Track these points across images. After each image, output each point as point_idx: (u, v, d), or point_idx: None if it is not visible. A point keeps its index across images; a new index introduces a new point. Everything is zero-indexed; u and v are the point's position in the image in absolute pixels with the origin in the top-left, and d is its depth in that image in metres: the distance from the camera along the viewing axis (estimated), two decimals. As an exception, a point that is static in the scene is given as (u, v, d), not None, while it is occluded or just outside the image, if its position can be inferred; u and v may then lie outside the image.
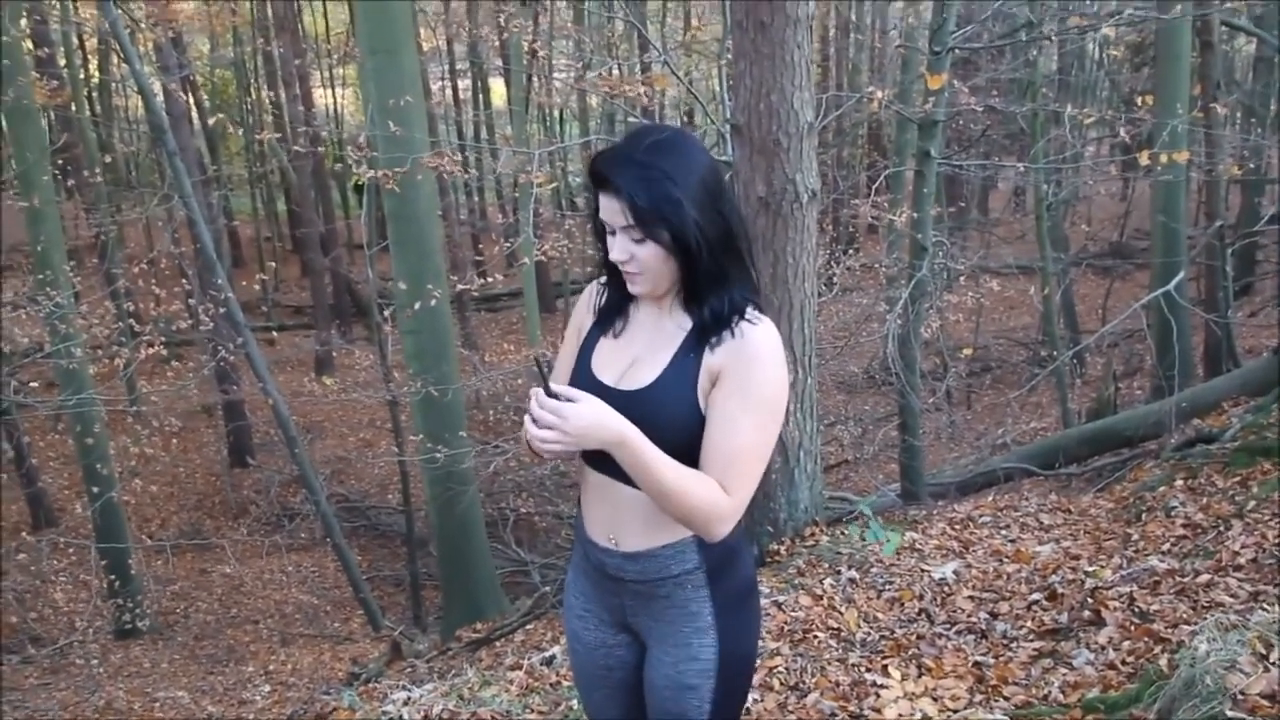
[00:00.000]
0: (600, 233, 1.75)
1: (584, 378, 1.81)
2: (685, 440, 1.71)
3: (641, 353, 1.78)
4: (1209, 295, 11.70)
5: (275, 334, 18.11)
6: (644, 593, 1.84)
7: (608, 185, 1.64)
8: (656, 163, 1.62)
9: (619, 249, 1.68)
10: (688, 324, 1.75)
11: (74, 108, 15.39)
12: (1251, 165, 10.45)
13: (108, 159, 18.32)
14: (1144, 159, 6.85)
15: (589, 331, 1.89)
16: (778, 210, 4.50)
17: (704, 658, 1.82)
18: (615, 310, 1.86)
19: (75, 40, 18.01)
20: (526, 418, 1.63)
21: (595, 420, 1.61)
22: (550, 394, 1.62)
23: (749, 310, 1.72)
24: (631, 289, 1.76)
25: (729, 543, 1.80)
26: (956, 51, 7.08)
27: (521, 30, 11.28)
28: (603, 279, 1.89)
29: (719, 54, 7.67)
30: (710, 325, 1.71)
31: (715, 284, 1.70)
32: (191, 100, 19.27)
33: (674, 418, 1.71)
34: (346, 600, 11.78)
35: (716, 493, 1.67)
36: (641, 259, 1.68)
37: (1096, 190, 17.88)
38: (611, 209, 1.66)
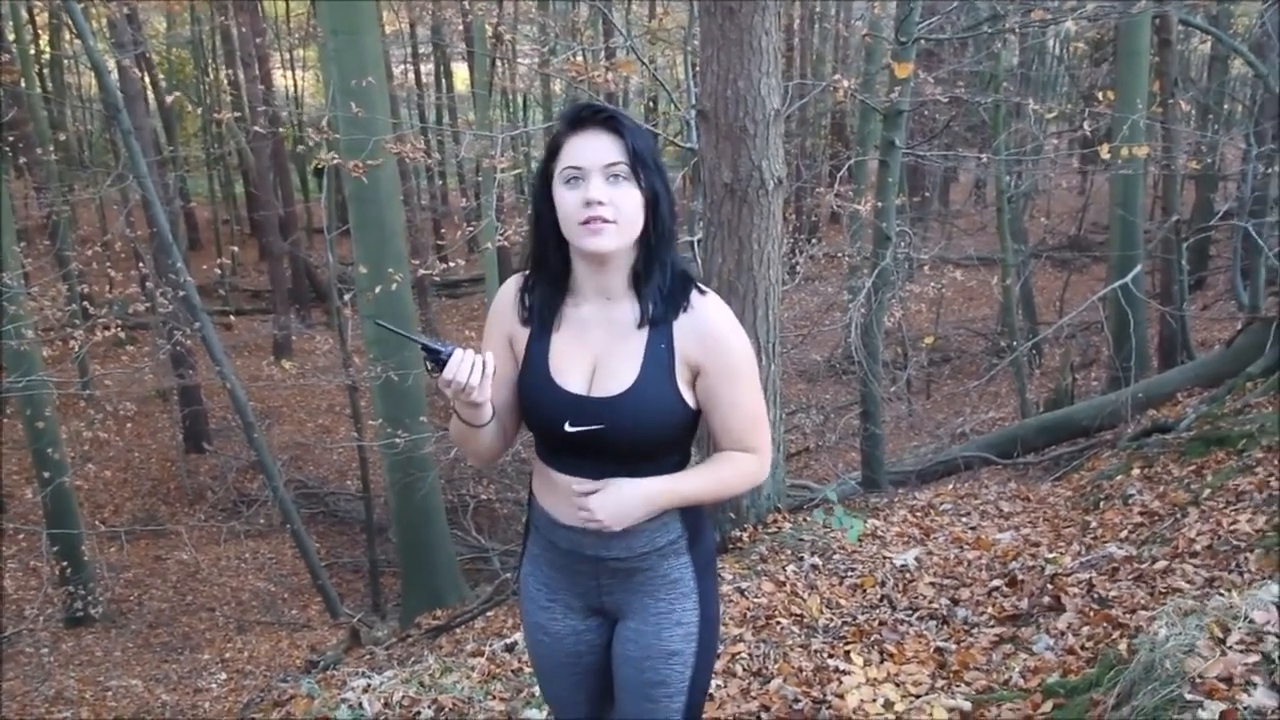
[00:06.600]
0: (537, 221, 1.73)
1: (547, 389, 1.74)
2: (673, 432, 1.75)
3: (603, 352, 1.73)
4: (1164, 289, 11.90)
5: (232, 318, 17.83)
6: (624, 569, 1.83)
7: (603, 124, 1.65)
8: (639, 126, 1.69)
9: (596, 188, 1.62)
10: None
11: (24, 84, 14.99)
12: (1208, 160, 10.62)
13: (60, 137, 17.88)
14: (1104, 153, 6.93)
15: (530, 337, 1.79)
16: (743, 197, 4.48)
17: (688, 621, 1.85)
18: (546, 308, 1.78)
19: (25, 14, 17.56)
20: None
21: (620, 506, 1.72)
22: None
23: (696, 283, 1.75)
24: (594, 242, 1.64)
25: (701, 508, 1.87)
26: (922, 43, 7.10)
27: (486, 14, 11.17)
28: (524, 275, 1.82)
29: (684, 41, 7.63)
30: (662, 304, 1.71)
31: (664, 257, 1.71)
32: (147, 79, 18.80)
33: (659, 415, 1.71)
34: (304, 587, 11.67)
35: (744, 462, 1.80)
36: (620, 204, 1.64)
37: (1056, 184, 18.08)
38: (597, 148, 1.64)
